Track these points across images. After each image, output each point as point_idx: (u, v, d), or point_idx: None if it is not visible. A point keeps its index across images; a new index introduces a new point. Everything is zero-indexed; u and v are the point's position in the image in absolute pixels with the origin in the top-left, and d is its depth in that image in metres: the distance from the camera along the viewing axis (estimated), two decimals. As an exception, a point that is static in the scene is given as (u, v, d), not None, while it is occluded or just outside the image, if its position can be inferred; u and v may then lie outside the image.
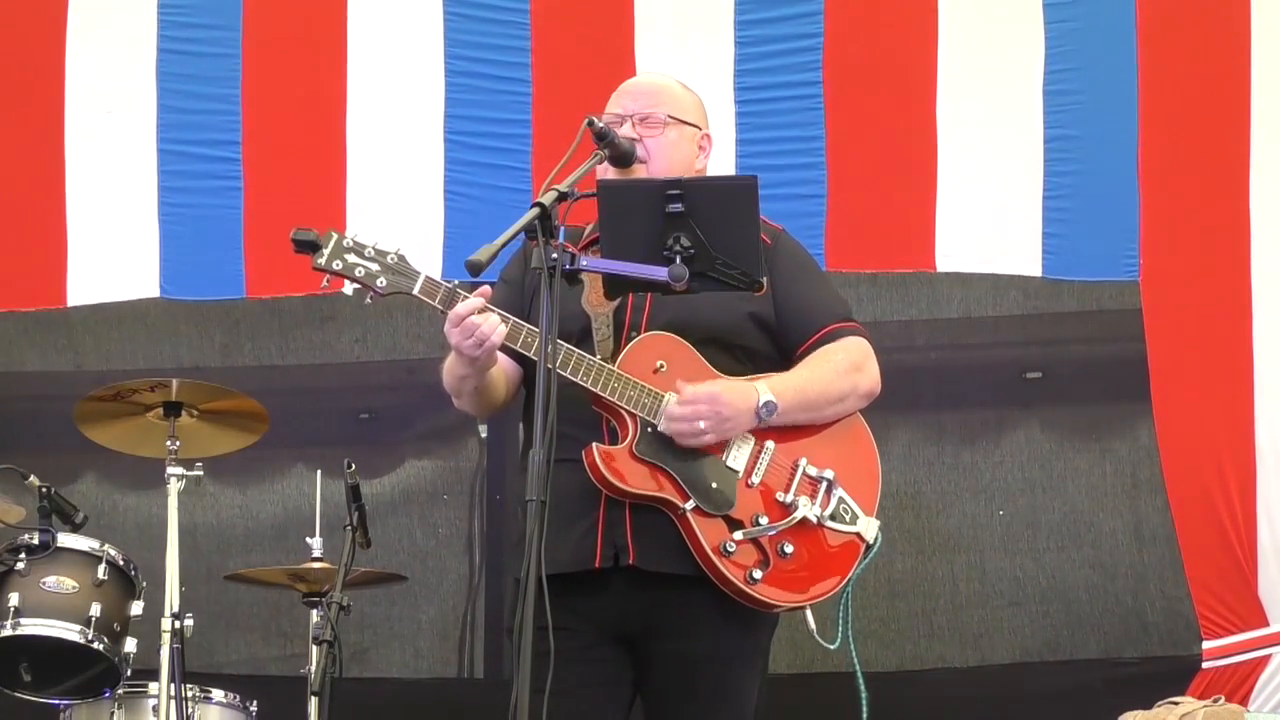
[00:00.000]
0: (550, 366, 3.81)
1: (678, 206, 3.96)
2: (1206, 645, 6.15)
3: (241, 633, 7.07)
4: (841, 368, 4.26)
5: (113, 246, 6.50)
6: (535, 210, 3.86)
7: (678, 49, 6.51)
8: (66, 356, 7.29)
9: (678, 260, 3.95)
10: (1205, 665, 6.13)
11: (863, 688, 4.23)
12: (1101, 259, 6.42)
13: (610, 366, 4.12)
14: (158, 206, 6.46)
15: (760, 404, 4.13)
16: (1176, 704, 5.41)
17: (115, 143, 6.53)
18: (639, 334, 4.21)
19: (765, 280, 4.16)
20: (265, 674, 7.01)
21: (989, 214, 6.47)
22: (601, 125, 4.15)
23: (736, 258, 4.00)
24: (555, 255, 3.84)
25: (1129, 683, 6.47)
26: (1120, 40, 6.39)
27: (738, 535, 4.11)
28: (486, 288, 4.09)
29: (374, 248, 4.10)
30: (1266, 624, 6.12)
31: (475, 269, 3.82)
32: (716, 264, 3.99)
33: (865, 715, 4.24)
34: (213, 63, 6.50)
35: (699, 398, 4.10)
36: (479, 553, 7.20)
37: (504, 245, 3.86)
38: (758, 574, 4.10)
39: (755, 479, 4.16)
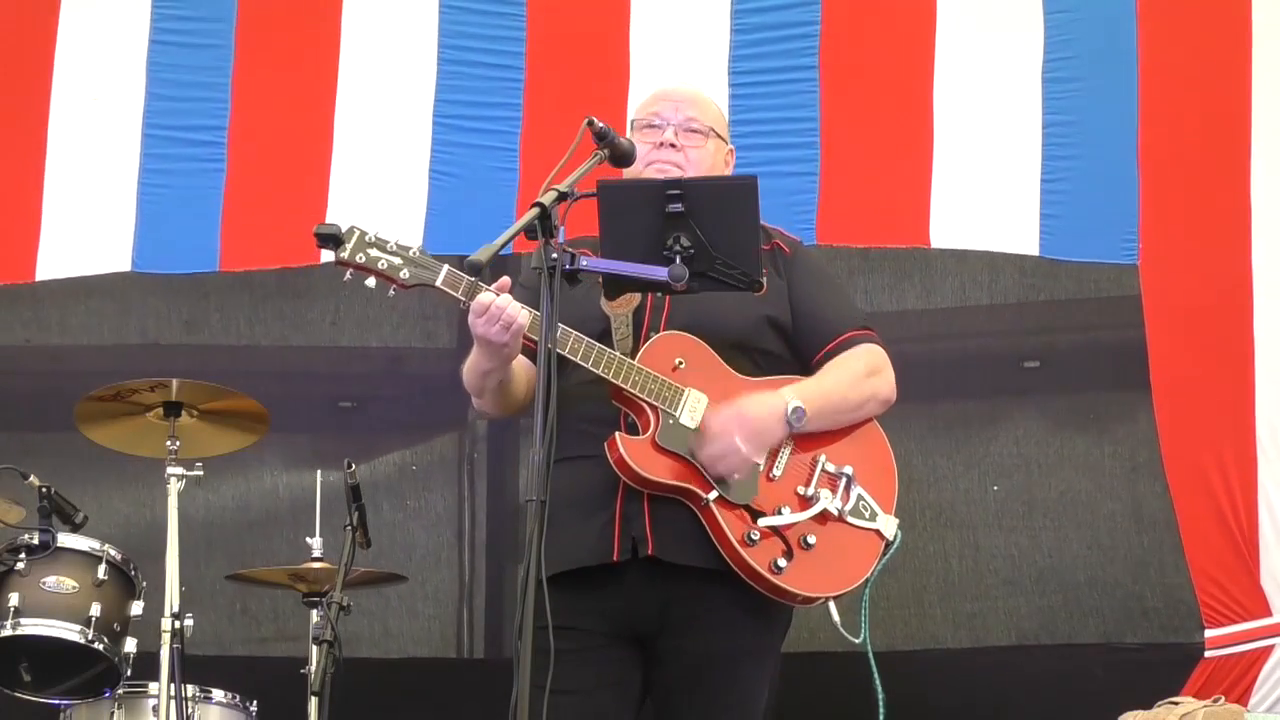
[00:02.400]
0: (549, 370, 3.79)
1: (677, 206, 3.96)
2: (1209, 634, 6.14)
3: (205, 613, 7.07)
4: (861, 374, 4.31)
5: (86, 222, 6.48)
6: (535, 210, 3.86)
7: (673, 34, 6.51)
8: (27, 329, 7.27)
9: (677, 260, 3.95)
10: (1208, 654, 6.11)
11: (879, 688, 4.26)
12: (1099, 241, 6.42)
13: (631, 361, 4.14)
14: (137, 186, 6.45)
15: (789, 410, 4.16)
16: (1176, 704, 5.42)
17: (99, 127, 6.52)
18: (657, 333, 4.23)
19: (778, 284, 4.24)
20: (231, 654, 7.05)
21: (985, 194, 6.47)
22: (601, 125, 4.13)
23: (736, 258, 4.01)
24: (555, 255, 3.83)
25: (1129, 670, 6.47)
26: (1120, 26, 6.38)
27: (762, 523, 4.13)
28: (506, 279, 4.11)
29: (396, 243, 4.11)
30: (1269, 613, 6.10)
31: (475, 269, 3.84)
32: (716, 264, 4.00)
33: (882, 714, 4.27)
34: (204, 54, 6.50)
35: (726, 428, 4.11)
36: (471, 537, 7.20)
37: (503, 245, 3.85)
38: (782, 563, 4.13)
39: (776, 472, 4.19)
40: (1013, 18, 6.39)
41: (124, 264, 6.46)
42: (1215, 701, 5.40)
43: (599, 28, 6.54)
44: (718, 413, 4.13)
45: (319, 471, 6.01)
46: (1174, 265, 6.35)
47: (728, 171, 4.46)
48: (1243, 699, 5.86)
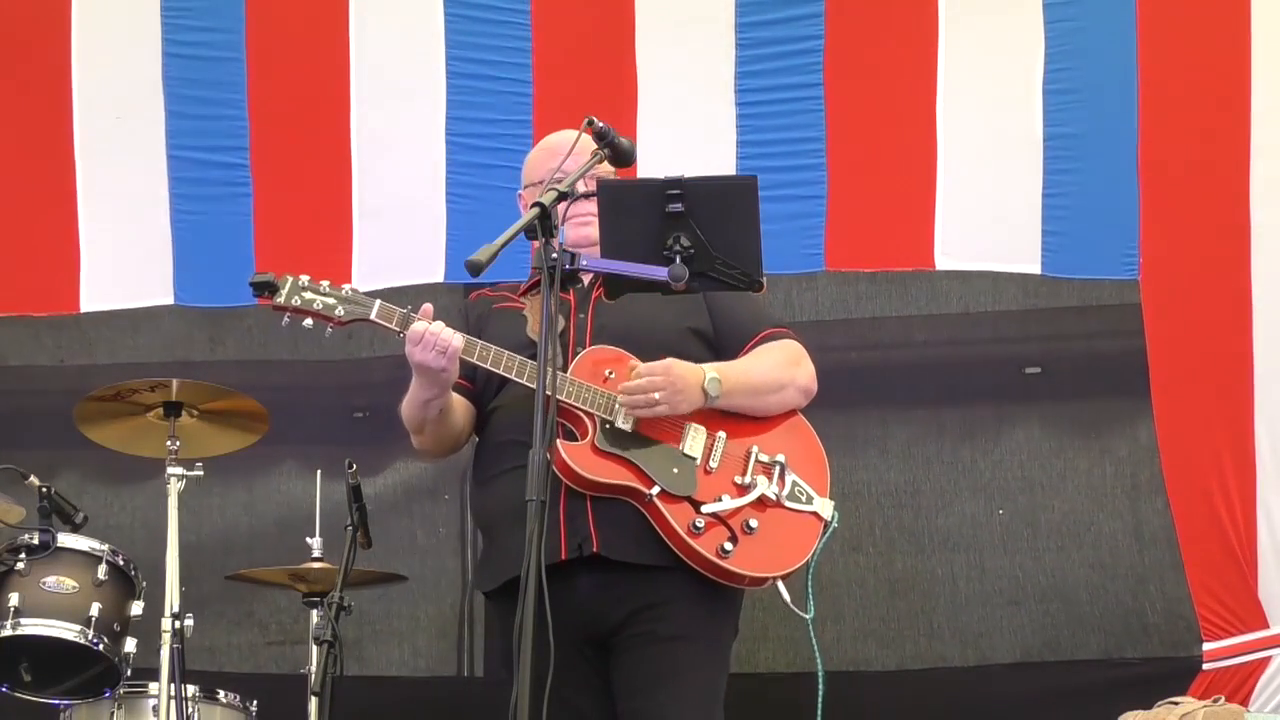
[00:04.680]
0: (551, 367, 3.85)
1: (677, 206, 4.00)
2: (1207, 646, 6.14)
3: (221, 623, 7.05)
4: (780, 360, 4.52)
5: (126, 253, 6.54)
6: (535, 210, 3.90)
7: (678, 51, 6.52)
8: (59, 349, 7.26)
9: (678, 260, 4.00)
10: (1205, 666, 6.12)
11: (819, 660, 4.38)
12: (1101, 257, 6.43)
13: (565, 374, 4.31)
14: (170, 213, 6.49)
15: (706, 379, 4.34)
16: (1177, 704, 5.41)
17: (125, 148, 6.56)
18: (585, 349, 4.42)
19: (692, 299, 4.37)
20: (244, 669, 7.03)
21: (988, 212, 6.47)
22: (601, 125, 4.17)
23: (736, 257, 4.05)
24: (555, 255, 3.87)
25: (1129, 683, 6.44)
26: (1120, 39, 6.38)
27: (705, 510, 4.30)
28: (428, 306, 4.33)
29: (328, 284, 4.36)
30: (1266, 626, 6.11)
31: (475, 269, 3.87)
32: (716, 264, 4.04)
33: (822, 690, 4.42)
34: (217, 67, 6.53)
35: (654, 369, 4.32)
36: (473, 551, 7.18)
37: (504, 245, 3.89)
38: (729, 547, 4.30)
39: (713, 464, 4.36)
40: (1015, 24, 6.40)
41: (166, 296, 6.52)
42: (1215, 701, 5.40)
43: (604, 43, 6.55)
44: (649, 364, 4.33)
45: (319, 471, 6.02)
46: (1174, 280, 6.35)
47: None
48: (1239, 709, 5.86)
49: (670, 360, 4.34)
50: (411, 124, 6.55)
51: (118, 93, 6.55)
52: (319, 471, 6.03)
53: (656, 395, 4.30)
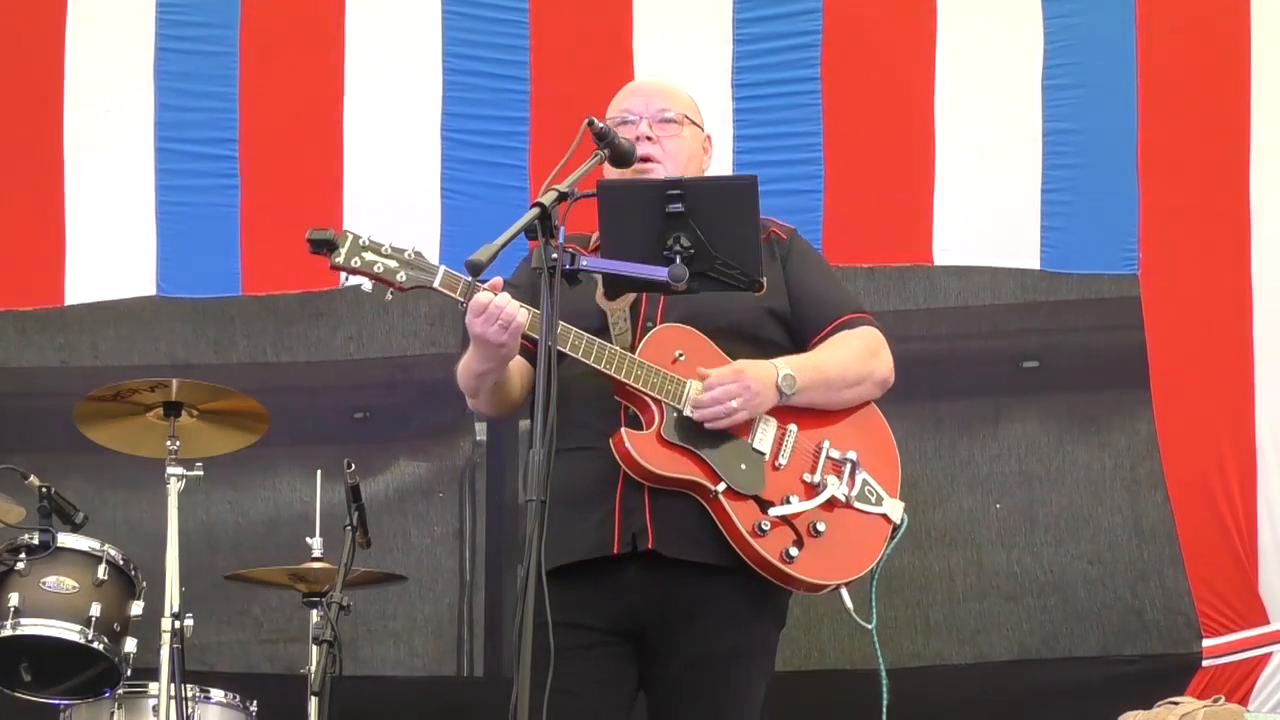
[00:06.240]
0: (549, 367, 3.78)
1: (678, 206, 3.96)
2: (1206, 643, 6.16)
3: (221, 623, 7.06)
4: (858, 352, 4.34)
5: (110, 245, 6.53)
6: (535, 210, 3.86)
7: (676, 47, 6.52)
8: (61, 354, 7.27)
9: (678, 260, 3.95)
10: (1205, 663, 6.14)
11: (883, 672, 4.29)
12: (1100, 252, 6.44)
13: (632, 355, 4.15)
14: (155, 205, 6.48)
15: (780, 377, 4.17)
16: (1176, 704, 5.40)
17: (113, 142, 6.56)
18: (655, 326, 4.24)
19: (775, 272, 4.25)
20: (244, 669, 7.03)
21: (987, 208, 6.49)
22: (602, 125, 4.13)
23: (736, 257, 4.01)
24: (555, 255, 3.83)
25: (1128, 680, 6.46)
26: (1120, 33, 6.40)
27: (772, 512, 4.13)
28: (498, 279, 4.09)
29: (390, 245, 4.11)
30: (1267, 622, 6.13)
31: (475, 269, 3.82)
32: (716, 264, 4.00)
33: (885, 701, 4.31)
34: (210, 61, 6.53)
35: (725, 378, 4.14)
36: (471, 551, 7.19)
37: (504, 245, 3.85)
38: (794, 551, 4.13)
39: (782, 460, 4.19)
40: (1013, 20, 6.41)
41: (149, 287, 6.51)
42: (1215, 701, 5.40)
43: (602, 39, 6.56)
44: (719, 371, 4.16)
45: (319, 472, 6.02)
46: (1174, 274, 6.37)
47: (706, 158, 4.49)
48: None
49: (740, 363, 4.18)
50: (407, 121, 6.55)
51: (109, 87, 6.56)
52: (319, 472, 6.01)
53: (734, 404, 4.13)
